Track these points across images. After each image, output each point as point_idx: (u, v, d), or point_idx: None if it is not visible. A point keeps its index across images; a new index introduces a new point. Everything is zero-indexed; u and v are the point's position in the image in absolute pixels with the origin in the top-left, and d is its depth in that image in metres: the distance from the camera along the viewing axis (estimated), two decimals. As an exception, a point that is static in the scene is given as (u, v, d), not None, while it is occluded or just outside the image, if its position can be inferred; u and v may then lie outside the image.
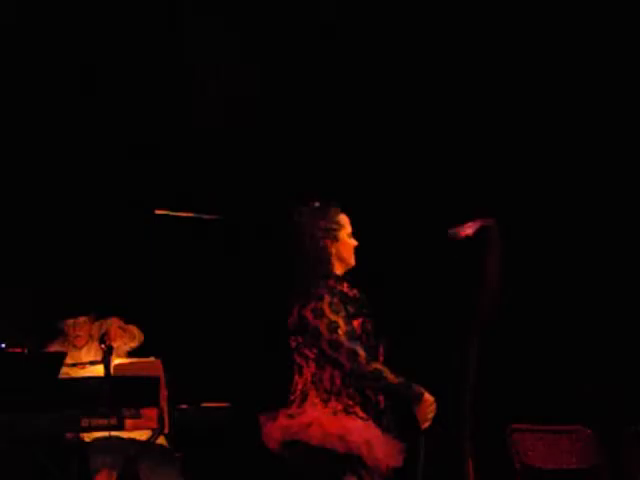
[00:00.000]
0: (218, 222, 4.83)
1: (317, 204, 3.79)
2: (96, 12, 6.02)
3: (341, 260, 3.76)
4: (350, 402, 3.62)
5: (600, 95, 5.86)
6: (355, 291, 3.77)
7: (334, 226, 3.75)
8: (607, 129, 5.89)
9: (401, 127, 6.23)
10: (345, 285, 3.75)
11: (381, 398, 3.69)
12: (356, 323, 3.66)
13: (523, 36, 5.92)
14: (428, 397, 3.62)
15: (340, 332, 3.59)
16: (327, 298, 3.63)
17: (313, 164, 6.02)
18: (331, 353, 3.58)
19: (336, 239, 3.75)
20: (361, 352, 3.58)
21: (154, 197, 5.73)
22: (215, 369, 5.92)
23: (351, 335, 3.60)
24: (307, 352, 3.67)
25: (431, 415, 3.63)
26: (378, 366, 3.60)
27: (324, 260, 3.73)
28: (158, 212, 4.87)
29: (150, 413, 4.74)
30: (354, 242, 3.78)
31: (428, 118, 6.16)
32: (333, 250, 3.74)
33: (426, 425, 3.64)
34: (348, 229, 3.79)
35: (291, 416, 3.62)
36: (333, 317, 3.60)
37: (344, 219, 3.80)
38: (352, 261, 3.78)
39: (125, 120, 6.29)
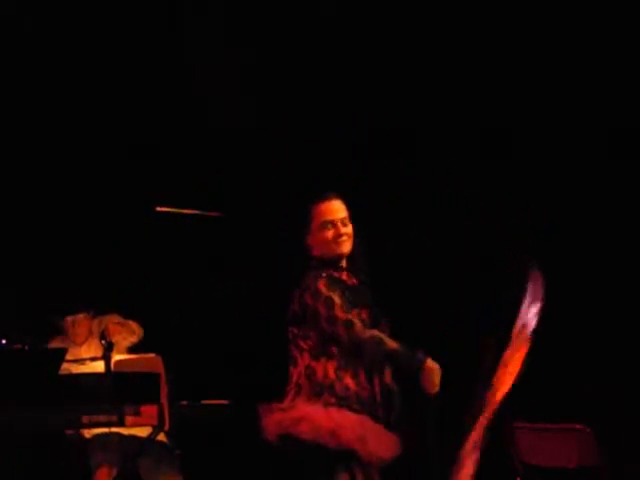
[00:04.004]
0: (219, 219, 4.83)
1: (300, 199, 3.82)
2: (95, 11, 6.02)
3: (320, 251, 3.76)
4: (344, 395, 3.61)
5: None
6: (354, 280, 3.77)
7: (306, 218, 3.78)
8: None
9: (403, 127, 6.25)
10: (344, 274, 3.75)
11: (377, 390, 3.69)
12: (353, 313, 3.65)
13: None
14: (431, 363, 3.58)
15: (335, 307, 3.59)
16: (322, 280, 3.65)
17: (317, 160, 6.02)
18: (329, 329, 3.59)
19: (309, 231, 3.78)
20: (356, 322, 3.58)
21: (155, 194, 5.73)
22: (216, 366, 5.91)
23: (346, 308, 3.60)
24: (302, 344, 3.67)
25: (438, 380, 3.58)
26: (375, 333, 3.60)
27: (306, 253, 3.78)
28: (159, 209, 4.87)
29: (150, 410, 4.73)
30: (328, 233, 3.76)
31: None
32: (310, 242, 3.77)
33: (434, 391, 3.58)
34: (321, 218, 3.78)
35: (283, 410, 3.62)
36: (328, 293, 3.61)
37: (317, 209, 3.80)
38: (333, 251, 3.77)
39: (124, 118, 6.28)
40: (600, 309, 5.80)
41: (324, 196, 3.82)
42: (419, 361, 3.57)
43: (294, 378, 3.69)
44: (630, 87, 5.84)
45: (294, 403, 3.63)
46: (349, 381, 3.63)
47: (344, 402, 3.61)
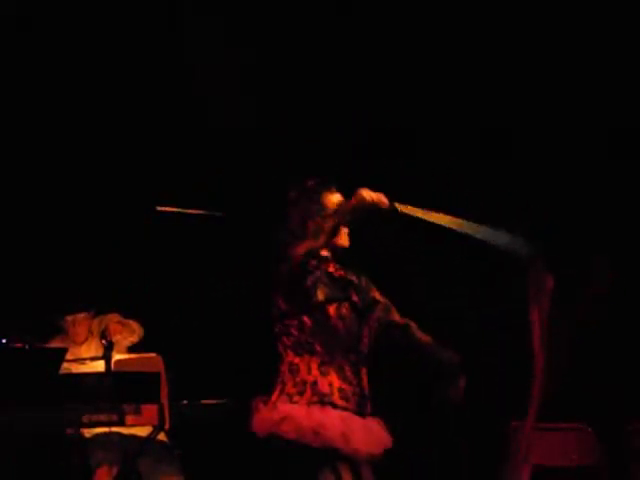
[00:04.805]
0: (218, 219, 4.83)
1: (307, 184, 3.77)
2: (95, 11, 6.02)
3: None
4: (327, 391, 3.58)
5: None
6: (342, 272, 3.75)
7: (319, 207, 3.73)
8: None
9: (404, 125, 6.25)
10: (331, 265, 3.73)
11: (364, 384, 3.68)
12: (331, 309, 3.63)
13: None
14: (345, 204, 3.64)
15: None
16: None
17: (317, 160, 6.02)
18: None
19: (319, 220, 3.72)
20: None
21: (155, 193, 5.73)
22: (216, 365, 5.92)
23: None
24: (285, 340, 3.65)
25: (370, 194, 3.61)
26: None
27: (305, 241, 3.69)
28: (159, 208, 4.87)
29: (151, 409, 4.74)
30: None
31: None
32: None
33: (385, 203, 3.64)
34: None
35: (267, 408, 3.61)
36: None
37: (333, 199, 3.75)
38: (342, 242, 3.74)
39: (124, 118, 6.29)
40: (600, 308, 5.79)
41: (332, 186, 3.79)
42: (342, 208, 3.62)
43: (279, 375, 3.69)
44: (630, 87, 5.85)
45: (276, 403, 3.62)
46: (333, 377, 3.61)
47: (327, 399, 3.59)
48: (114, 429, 5.11)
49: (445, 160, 6.26)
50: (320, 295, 3.61)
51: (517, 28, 5.92)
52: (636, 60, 5.80)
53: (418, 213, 3.72)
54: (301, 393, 3.59)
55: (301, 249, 3.60)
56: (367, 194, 3.62)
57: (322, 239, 3.62)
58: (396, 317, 3.82)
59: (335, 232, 3.67)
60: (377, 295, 3.82)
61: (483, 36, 5.99)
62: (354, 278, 3.77)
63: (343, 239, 3.75)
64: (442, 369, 3.75)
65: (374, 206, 3.62)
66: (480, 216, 6.06)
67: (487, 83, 6.07)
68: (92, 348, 5.56)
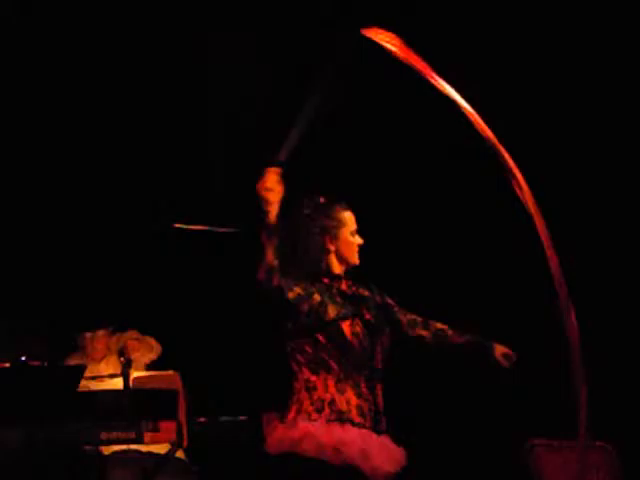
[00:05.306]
0: (237, 235, 4.83)
1: (319, 200, 3.77)
2: (95, 11, 6.02)
3: (341, 258, 3.73)
4: (344, 409, 3.58)
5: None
6: (355, 289, 3.75)
7: (334, 223, 3.71)
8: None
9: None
10: (344, 283, 3.74)
11: (379, 400, 3.68)
12: (345, 325, 3.61)
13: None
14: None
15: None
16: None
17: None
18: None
19: (336, 237, 3.71)
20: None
21: (172, 210, 5.75)
22: (234, 383, 5.92)
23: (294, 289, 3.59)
24: (300, 358, 3.65)
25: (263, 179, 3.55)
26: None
27: (319, 258, 3.69)
28: (176, 226, 4.88)
29: (169, 426, 4.74)
30: (357, 240, 3.73)
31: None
32: (332, 248, 3.71)
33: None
34: (351, 227, 3.73)
35: (285, 427, 3.60)
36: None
37: (347, 216, 3.74)
38: (354, 259, 3.73)
39: (126, 119, 6.30)
40: (610, 315, 5.79)
41: (345, 204, 3.80)
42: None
43: (295, 392, 3.68)
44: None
45: (295, 422, 3.61)
46: (350, 394, 3.61)
47: (345, 416, 3.58)
48: (132, 447, 5.12)
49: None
50: (331, 313, 3.61)
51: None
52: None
53: (286, 148, 3.63)
54: (319, 411, 3.58)
55: (262, 270, 3.55)
56: (261, 185, 3.51)
57: (269, 252, 3.51)
58: (414, 315, 3.84)
59: (279, 241, 3.63)
60: (390, 300, 3.84)
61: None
62: (367, 293, 3.79)
63: (354, 257, 3.76)
64: (476, 348, 3.77)
65: (274, 184, 3.50)
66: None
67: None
68: (110, 365, 5.58)
